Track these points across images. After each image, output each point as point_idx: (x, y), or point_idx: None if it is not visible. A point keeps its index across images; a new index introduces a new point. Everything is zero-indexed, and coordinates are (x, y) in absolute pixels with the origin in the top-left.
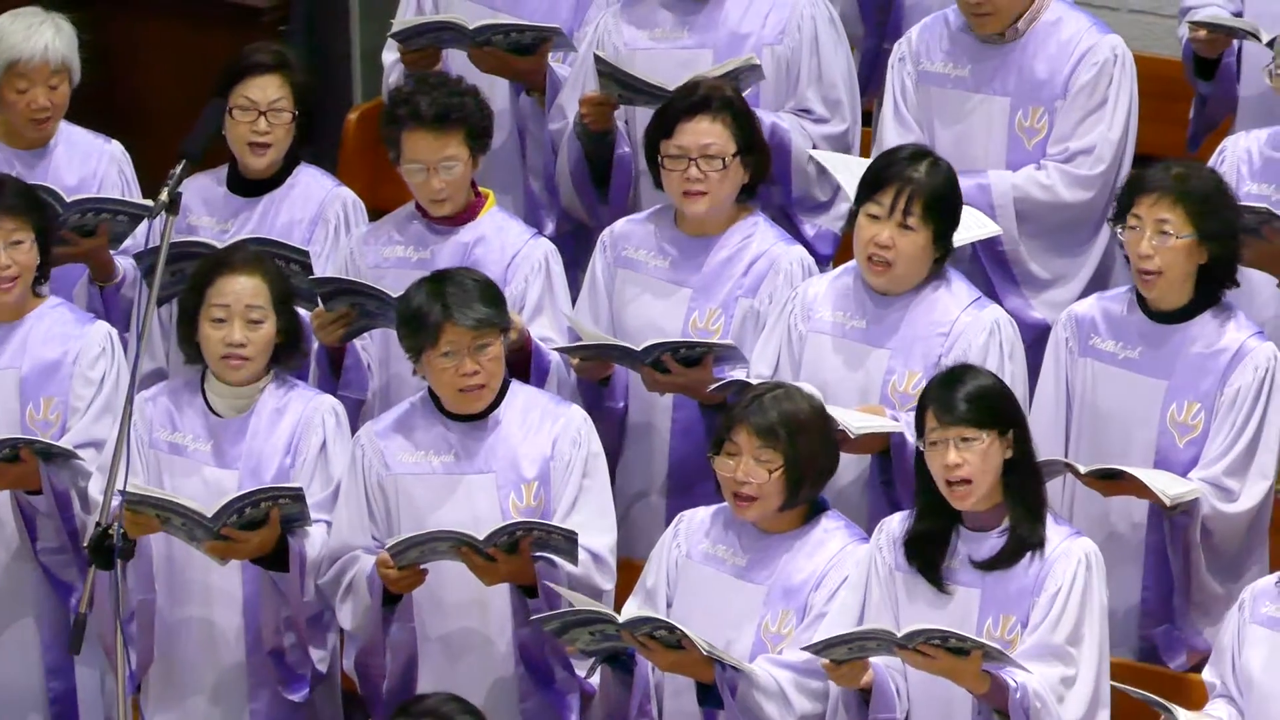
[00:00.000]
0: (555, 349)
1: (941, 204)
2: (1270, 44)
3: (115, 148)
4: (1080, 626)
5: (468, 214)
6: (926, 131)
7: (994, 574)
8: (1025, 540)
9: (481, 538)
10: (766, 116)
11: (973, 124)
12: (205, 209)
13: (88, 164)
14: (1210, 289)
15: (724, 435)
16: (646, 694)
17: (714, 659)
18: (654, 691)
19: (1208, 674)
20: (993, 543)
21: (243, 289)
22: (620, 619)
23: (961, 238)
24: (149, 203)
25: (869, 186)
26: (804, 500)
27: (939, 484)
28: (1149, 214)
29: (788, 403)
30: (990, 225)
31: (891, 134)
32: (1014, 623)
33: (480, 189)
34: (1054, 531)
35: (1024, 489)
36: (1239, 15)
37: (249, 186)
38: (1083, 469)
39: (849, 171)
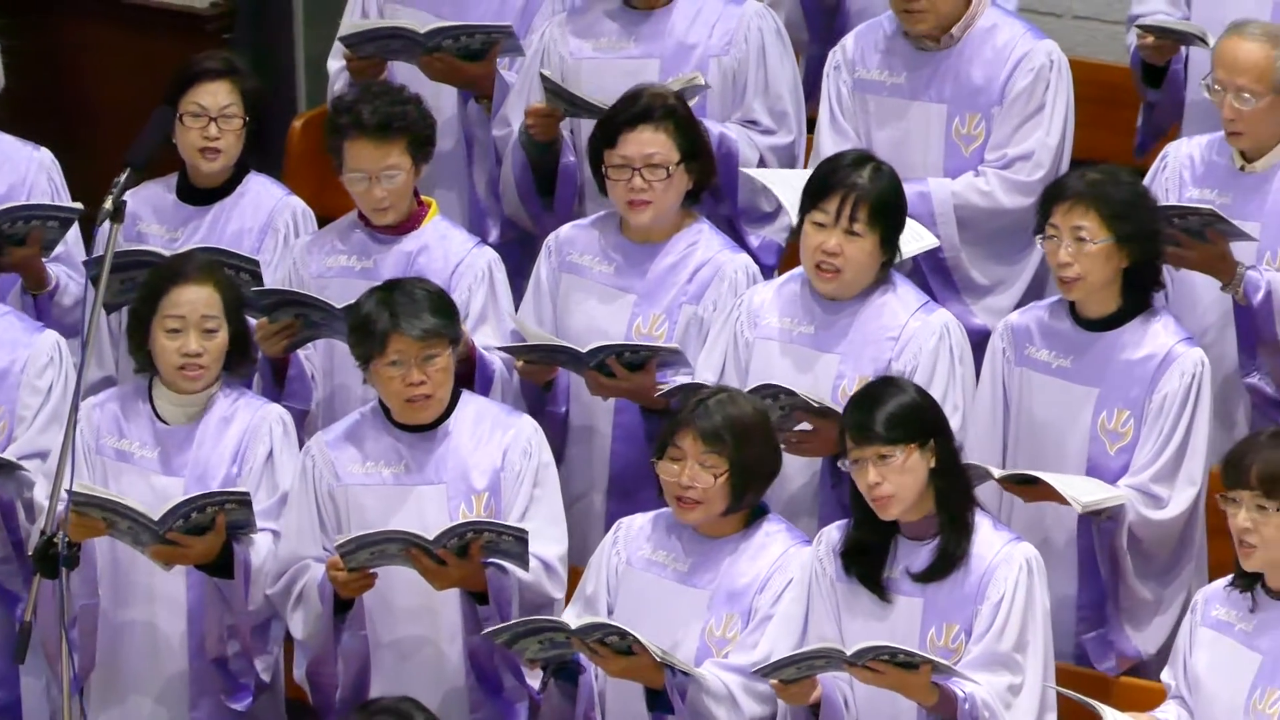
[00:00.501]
0: (500, 348)
1: (887, 208)
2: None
3: (44, 155)
4: (1025, 633)
5: (411, 223)
6: (864, 139)
7: (934, 583)
8: (951, 554)
9: (432, 538)
10: (714, 127)
11: (910, 131)
12: (155, 217)
13: (16, 171)
14: (1137, 295)
15: (668, 439)
16: (590, 702)
17: (664, 664)
18: (598, 700)
19: (1165, 675)
20: (928, 552)
21: (197, 299)
22: (571, 626)
23: (904, 250)
24: (78, 205)
25: (814, 195)
26: (747, 505)
27: (867, 499)
28: (1064, 221)
29: (732, 407)
30: (928, 238)
31: (828, 142)
32: (957, 631)
33: (423, 198)
34: (995, 537)
35: (950, 499)
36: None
37: (199, 195)
38: (997, 473)
39: (788, 186)
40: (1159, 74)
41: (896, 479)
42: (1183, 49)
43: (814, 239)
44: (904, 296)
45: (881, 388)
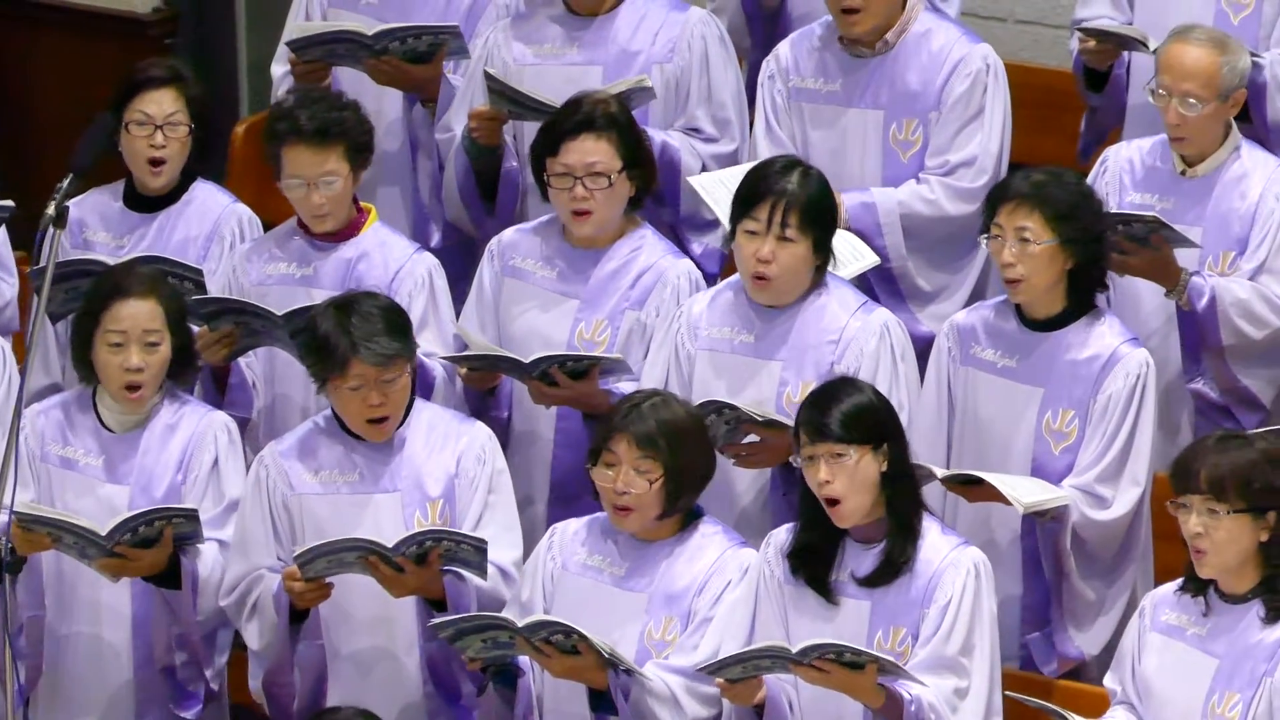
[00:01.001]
0: (443, 358)
1: (817, 212)
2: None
3: None
4: (971, 637)
5: (350, 230)
6: (800, 147)
7: (881, 587)
8: (897, 560)
9: (390, 545)
10: (656, 135)
11: (847, 138)
12: (102, 225)
13: None
14: (1082, 296)
15: (602, 445)
16: (529, 706)
17: (607, 665)
18: (535, 704)
19: (1108, 680)
20: (874, 557)
21: (139, 313)
22: (517, 624)
23: (844, 272)
24: (8, 203)
25: (744, 203)
26: (681, 508)
27: (820, 500)
28: (1009, 222)
29: (665, 411)
30: (869, 256)
31: (765, 152)
32: (904, 634)
33: (362, 204)
34: (943, 541)
35: (899, 503)
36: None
37: (145, 203)
38: (940, 474)
39: (724, 188)
40: (1101, 78)
41: (847, 479)
42: (1125, 53)
43: (748, 248)
44: (842, 298)
45: (839, 386)
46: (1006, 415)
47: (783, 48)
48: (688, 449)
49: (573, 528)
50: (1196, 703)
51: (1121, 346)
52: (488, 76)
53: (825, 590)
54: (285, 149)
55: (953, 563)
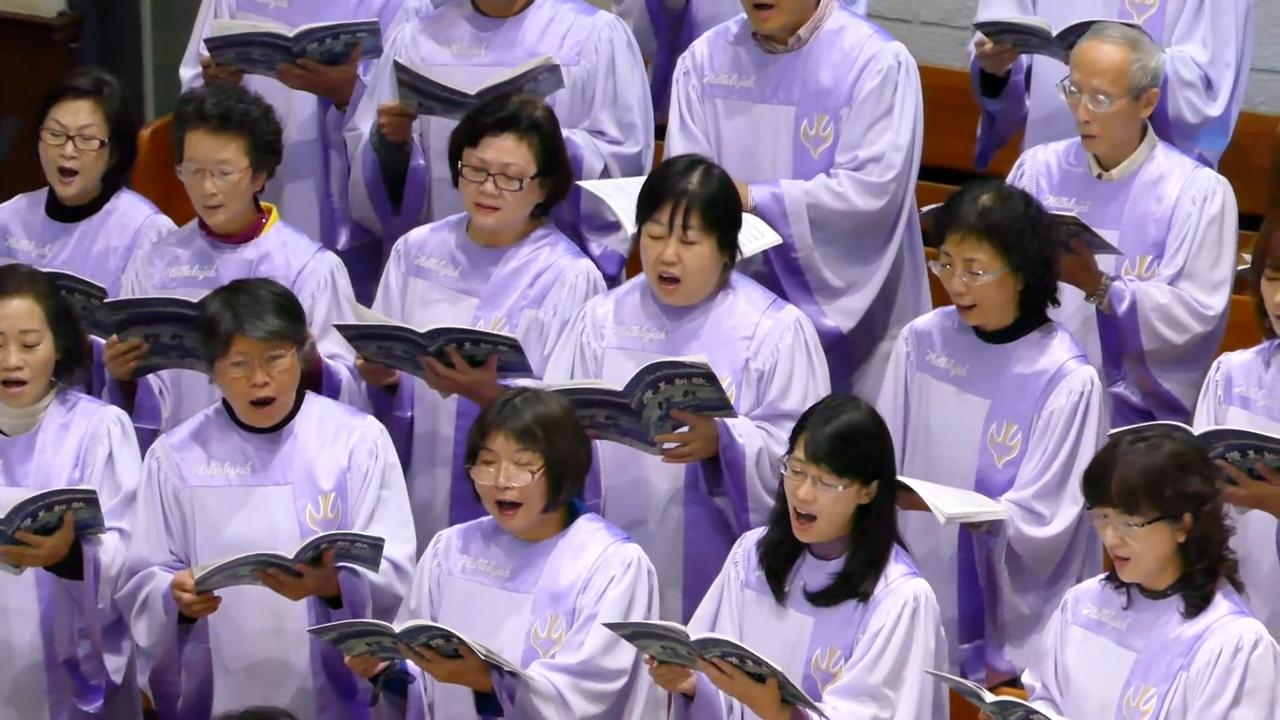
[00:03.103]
0: (335, 325)
1: (719, 211)
2: (1071, 42)
3: None
4: (901, 670)
5: (251, 231)
6: (714, 143)
7: (826, 607)
8: (851, 586)
9: (291, 555)
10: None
11: (759, 134)
12: (24, 232)
13: None
14: (1033, 309)
15: (478, 444)
16: (420, 712)
17: (491, 665)
18: (427, 710)
19: (1028, 677)
20: (828, 573)
21: (15, 312)
22: (395, 630)
23: (745, 250)
24: None
25: (646, 205)
26: (563, 501)
27: (790, 510)
28: (957, 252)
29: (540, 405)
30: (770, 235)
31: (679, 147)
32: (839, 656)
33: (264, 205)
34: (892, 569)
35: (871, 537)
36: None
37: (66, 211)
38: None
39: (624, 195)
40: (998, 85)
41: (828, 505)
42: (1023, 58)
43: (652, 251)
44: (751, 296)
45: (850, 416)
46: (955, 425)
47: (698, 44)
48: (565, 440)
49: (456, 533)
50: (1113, 695)
51: (1069, 362)
52: (397, 67)
53: (779, 590)
54: (188, 132)
55: (894, 591)
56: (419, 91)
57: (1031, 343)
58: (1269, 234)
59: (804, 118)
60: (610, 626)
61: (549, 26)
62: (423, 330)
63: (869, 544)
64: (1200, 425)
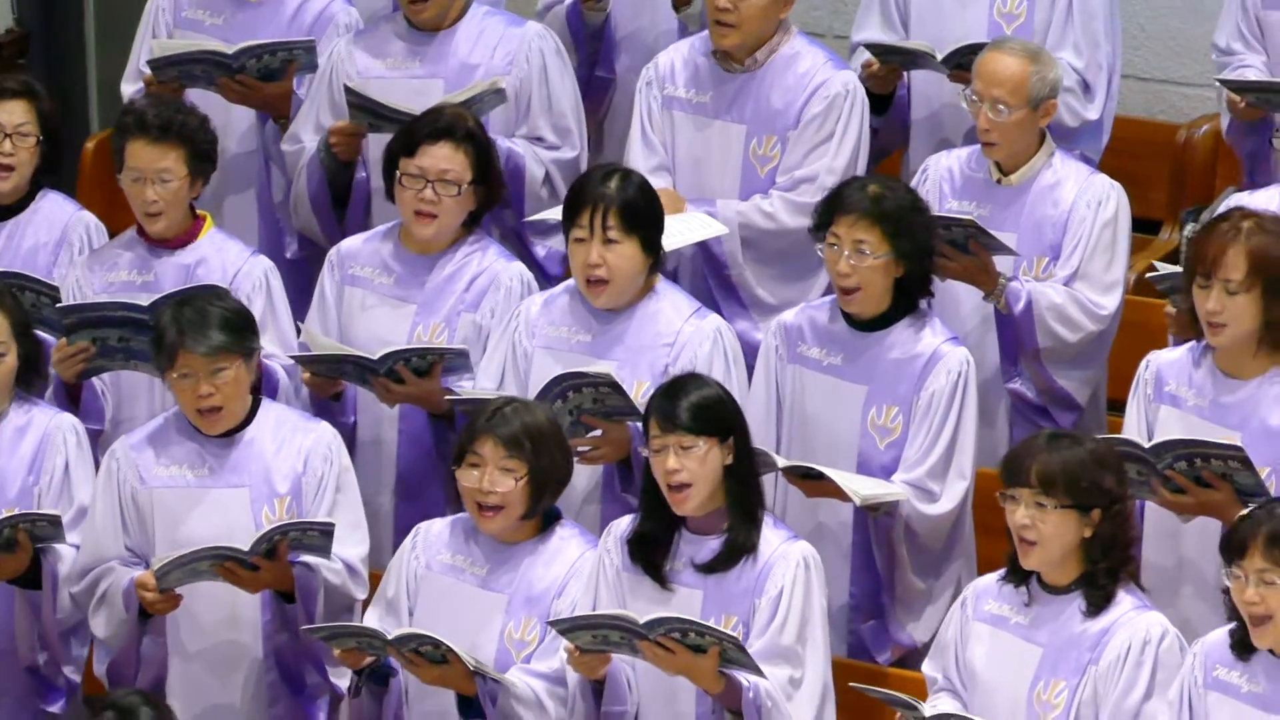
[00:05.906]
0: (292, 357)
1: (637, 213)
2: (957, 63)
3: None
4: (805, 627)
5: (187, 236)
6: (669, 154)
7: (715, 575)
8: (740, 545)
9: (246, 549)
10: (501, 142)
11: (711, 149)
12: None
13: None
14: (906, 299)
15: (466, 447)
16: (399, 703)
17: (477, 673)
18: (405, 698)
19: (928, 668)
20: (712, 546)
21: None
22: (388, 636)
23: (689, 238)
24: None
25: (569, 211)
26: (542, 509)
27: (662, 489)
28: (847, 234)
29: (528, 415)
30: (715, 225)
31: (639, 157)
32: (736, 623)
33: (199, 211)
34: (772, 534)
35: (742, 494)
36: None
37: None
38: (782, 464)
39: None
40: (884, 101)
41: (695, 468)
42: (905, 74)
43: (578, 255)
44: (676, 303)
45: (689, 380)
46: (832, 411)
47: (662, 56)
48: (549, 451)
49: (436, 528)
50: (1022, 690)
51: (943, 346)
52: (348, 91)
53: (660, 577)
54: (129, 142)
55: (783, 555)
56: (369, 112)
57: (904, 329)
58: (1198, 245)
59: (754, 137)
60: (551, 624)
61: (480, 38)
62: (376, 356)
63: (742, 501)
64: (1131, 421)
